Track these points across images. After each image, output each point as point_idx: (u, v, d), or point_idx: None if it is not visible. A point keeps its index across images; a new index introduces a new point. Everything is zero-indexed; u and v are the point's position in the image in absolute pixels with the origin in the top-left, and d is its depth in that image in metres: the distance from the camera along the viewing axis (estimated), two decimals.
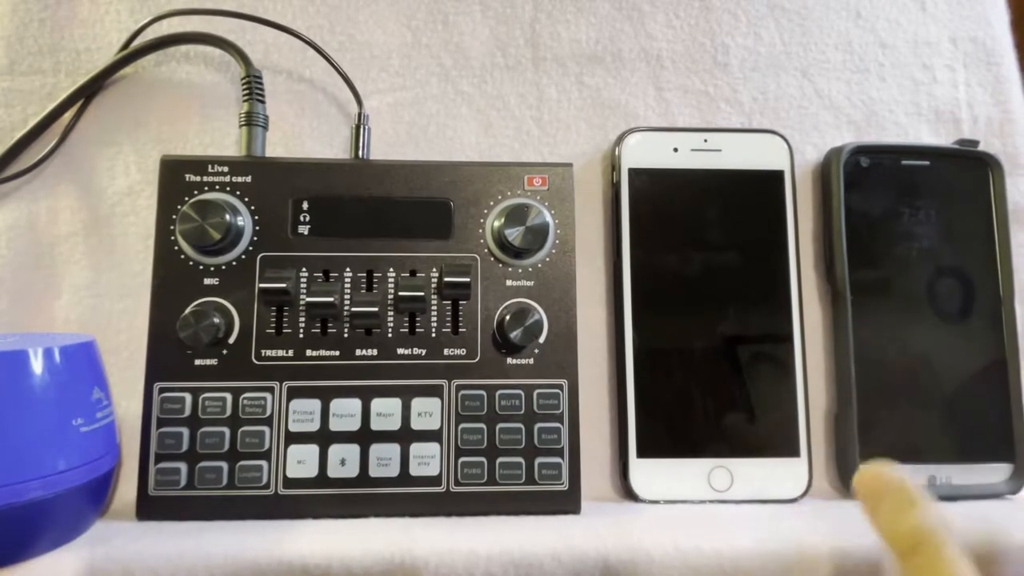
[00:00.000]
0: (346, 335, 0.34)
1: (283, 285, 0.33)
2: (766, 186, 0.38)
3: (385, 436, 0.33)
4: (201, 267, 0.34)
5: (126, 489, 0.33)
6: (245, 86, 0.37)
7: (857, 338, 0.37)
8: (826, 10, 0.43)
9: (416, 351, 0.34)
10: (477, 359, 0.34)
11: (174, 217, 0.34)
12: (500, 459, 0.33)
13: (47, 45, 0.39)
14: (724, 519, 0.33)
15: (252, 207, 0.35)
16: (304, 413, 0.33)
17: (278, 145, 0.39)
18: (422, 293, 0.33)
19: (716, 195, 0.38)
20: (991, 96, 0.43)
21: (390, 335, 0.34)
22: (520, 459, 0.33)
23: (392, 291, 0.34)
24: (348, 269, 0.35)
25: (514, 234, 0.34)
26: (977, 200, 0.39)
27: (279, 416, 0.33)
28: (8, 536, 0.27)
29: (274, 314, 0.34)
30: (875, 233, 0.39)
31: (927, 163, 0.39)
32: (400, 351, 0.34)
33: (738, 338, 0.37)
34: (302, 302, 0.34)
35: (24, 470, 0.27)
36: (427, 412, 0.34)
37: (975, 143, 0.40)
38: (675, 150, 0.38)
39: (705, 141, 0.39)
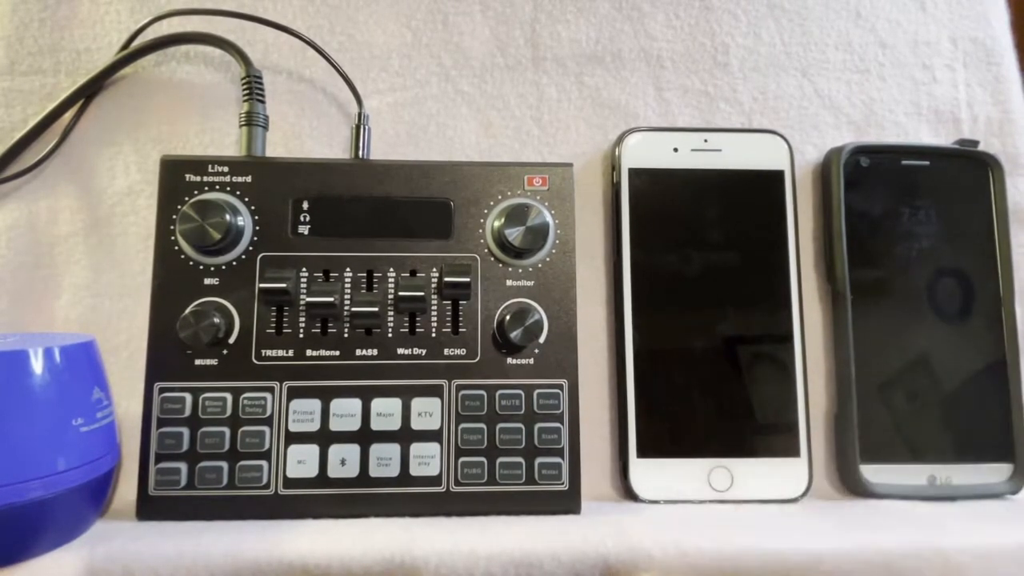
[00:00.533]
0: (346, 335, 0.34)
1: (283, 285, 0.33)
2: (766, 186, 0.38)
3: (385, 436, 0.33)
4: (201, 267, 0.34)
5: (126, 489, 0.33)
6: (245, 86, 0.37)
7: (857, 338, 0.37)
8: (826, 10, 0.43)
9: (416, 351, 0.34)
10: (477, 359, 0.34)
11: (174, 217, 0.34)
12: (500, 459, 0.33)
13: (47, 45, 0.39)
14: (724, 519, 0.33)
15: (252, 207, 0.35)
16: (304, 413, 0.33)
17: (278, 145, 0.39)
18: (422, 293, 0.33)
19: (716, 195, 0.38)
20: (991, 96, 0.43)
21: (390, 335, 0.34)
22: (520, 459, 0.33)
23: (392, 291, 0.34)
24: (348, 269, 0.35)
25: (514, 234, 0.34)
26: (977, 200, 0.39)
27: (279, 416, 0.33)
28: (8, 536, 0.27)
29: (274, 314, 0.34)
30: (875, 233, 0.39)
31: (927, 163, 0.39)
32: (400, 351, 0.34)
33: (738, 338, 0.37)
34: (302, 302, 0.34)
35: (24, 470, 0.27)
36: (427, 412, 0.33)
37: (975, 143, 0.40)
38: (675, 150, 0.38)
39: (705, 141, 0.39)
